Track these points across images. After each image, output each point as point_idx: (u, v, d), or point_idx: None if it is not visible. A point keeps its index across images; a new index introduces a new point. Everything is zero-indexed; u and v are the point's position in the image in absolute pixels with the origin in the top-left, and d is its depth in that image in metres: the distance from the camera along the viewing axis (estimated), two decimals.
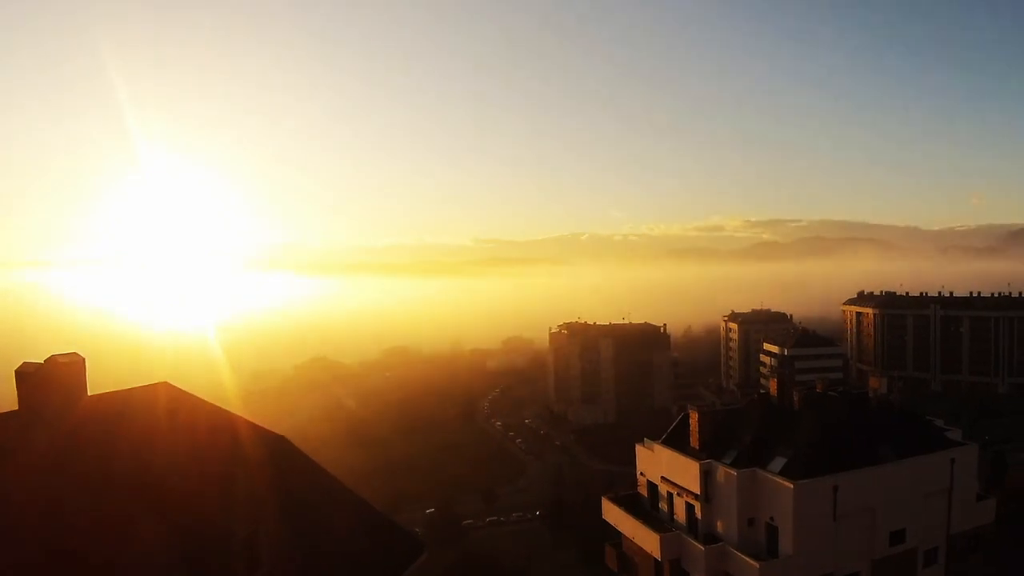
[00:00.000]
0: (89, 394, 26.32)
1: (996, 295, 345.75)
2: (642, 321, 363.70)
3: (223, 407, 31.15)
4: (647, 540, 66.62)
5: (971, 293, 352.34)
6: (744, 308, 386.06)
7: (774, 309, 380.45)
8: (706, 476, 63.86)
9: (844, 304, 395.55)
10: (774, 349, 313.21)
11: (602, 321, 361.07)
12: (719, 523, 63.41)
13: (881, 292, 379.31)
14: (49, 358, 25.28)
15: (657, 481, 70.86)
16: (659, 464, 70.92)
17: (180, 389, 29.34)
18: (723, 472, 62.92)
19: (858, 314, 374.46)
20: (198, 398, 30.06)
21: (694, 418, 69.96)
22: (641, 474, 74.29)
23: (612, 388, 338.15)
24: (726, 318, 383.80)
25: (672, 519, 68.39)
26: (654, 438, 74.39)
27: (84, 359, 26.01)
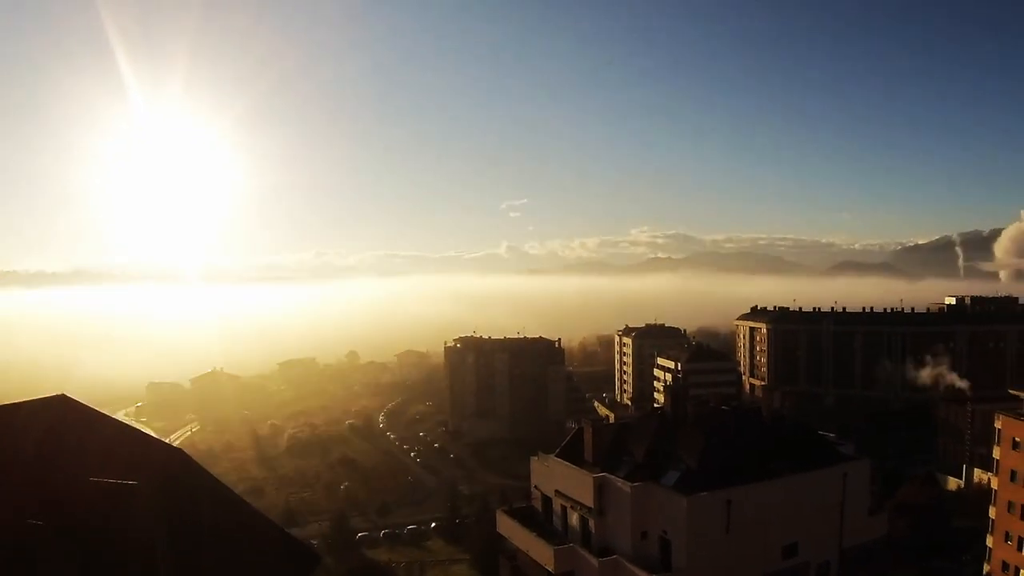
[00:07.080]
0: None
1: (889, 310, 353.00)
2: (537, 335, 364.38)
3: (120, 420, 30.88)
4: (541, 553, 66.93)
5: (864, 308, 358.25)
6: (638, 322, 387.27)
7: (668, 324, 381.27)
8: (600, 490, 64.51)
9: (737, 319, 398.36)
10: (668, 364, 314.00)
11: (497, 335, 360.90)
12: (613, 537, 64.13)
13: (774, 307, 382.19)
14: None
15: (551, 495, 71.37)
16: (553, 478, 71.46)
17: (77, 402, 29.01)
18: (617, 486, 63.64)
19: (751, 329, 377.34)
20: (95, 411, 29.69)
21: (588, 432, 70.74)
22: (535, 487, 74.73)
23: (507, 402, 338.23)
24: (620, 332, 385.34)
25: (566, 533, 68.94)
26: (548, 451, 74.96)
27: None
